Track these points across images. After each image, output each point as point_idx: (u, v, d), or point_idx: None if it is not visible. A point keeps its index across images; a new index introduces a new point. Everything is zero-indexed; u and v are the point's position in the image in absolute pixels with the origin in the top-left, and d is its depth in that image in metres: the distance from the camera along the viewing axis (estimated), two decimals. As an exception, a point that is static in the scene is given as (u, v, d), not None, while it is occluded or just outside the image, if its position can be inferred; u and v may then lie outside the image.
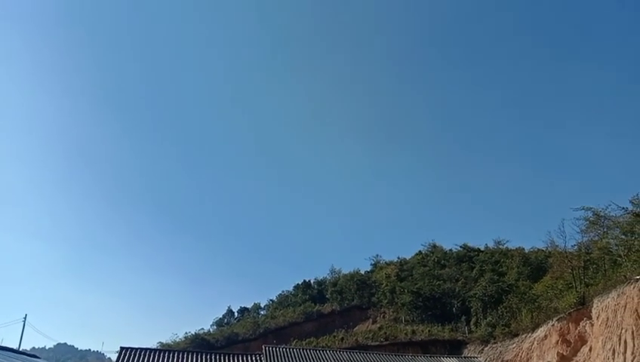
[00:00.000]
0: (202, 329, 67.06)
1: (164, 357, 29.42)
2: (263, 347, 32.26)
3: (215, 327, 77.05)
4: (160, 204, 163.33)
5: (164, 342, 59.32)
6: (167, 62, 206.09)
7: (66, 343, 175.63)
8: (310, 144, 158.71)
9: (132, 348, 29.44)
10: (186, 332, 61.86)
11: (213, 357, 30.46)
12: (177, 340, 59.83)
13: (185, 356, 30.02)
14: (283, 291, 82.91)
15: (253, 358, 31.15)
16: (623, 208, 29.39)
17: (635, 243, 28.09)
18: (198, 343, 57.15)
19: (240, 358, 31.11)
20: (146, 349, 30.20)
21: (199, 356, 30.13)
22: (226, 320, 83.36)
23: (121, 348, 29.34)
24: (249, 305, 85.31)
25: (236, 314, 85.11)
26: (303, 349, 34.16)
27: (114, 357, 32.20)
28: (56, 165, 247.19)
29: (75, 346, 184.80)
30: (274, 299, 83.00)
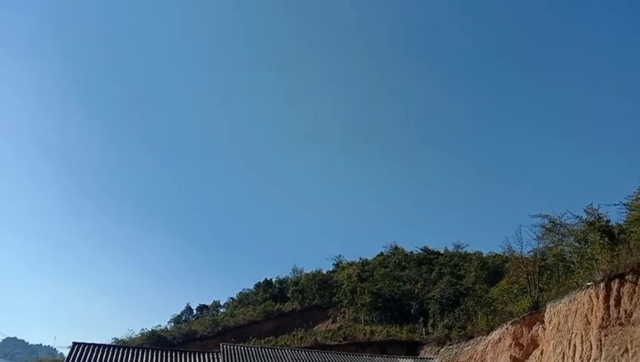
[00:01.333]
0: (159, 325, 65.90)
1: (117, 353, 28.75)
2: (221, 345, 31.91)
3: (173, 324, 76.01)
4: (120, 200, 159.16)
5: (119, 337, 58.17)
6: (145, 60, 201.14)
7: (15, 337, 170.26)
8: (275, 145, 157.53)
9: (85, 344, 28.66)
10: (143, 329, 60.83)
11: (168, 354, 29.94)
12: (133, 336, 58.74)
13: (140, 353, 29.39)
14: (244, 289, 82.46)
15: (211, 356, 30.77)
16: (578, 217, 30.34)
17: (588, 250, 29.00)
18: (154, 340, 56.18)
19: (197, 356, 30.68)
20: (100, 345, 29.44)
21: (154, 353, 29.56)
22: (184, 317, 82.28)
23: (74, 344, 28.53)
24: (208, 303, 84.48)
25: (195, 311, 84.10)
26: (261, 348, 33.98)
27: (66, 352, 31.26)
28: (12, 158, 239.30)
29: (26, 341, 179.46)
30: (234, 297, 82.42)
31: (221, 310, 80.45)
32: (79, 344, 28.53)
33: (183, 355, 30.23)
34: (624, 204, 27.66)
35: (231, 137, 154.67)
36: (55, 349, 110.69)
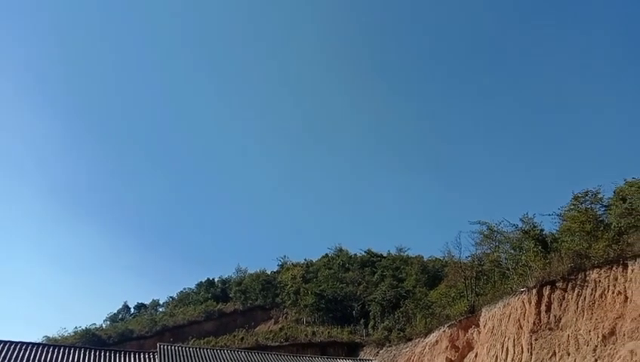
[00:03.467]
0: (94, 324, 63.93)
1: (47, 352, 27.42)
2: (158, 345, 31.07)
3: (108, 323, 73.71)
4: (50, 193, 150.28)
5: (50, 336, 56.04)
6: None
7: None
8: (217, 142, 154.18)
9: (11, 342, 27.13)
10: (76, 327, 58.90)
11: (102, 353, 28.82)
12: (66, 335, 56.90)
13: (71, 352, 28.16)
14: (184, 288, 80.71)
15: (147, 356, 29.90)
16: (514, 225, 31.61)
17: (522, 257, 30.22)
18: (88, 339, 54.45)
19: (132, 356, 29.69)
20: (28, 343, 27.95)
21: (87, 352, 28.38)
22: (120, 315, 79.88)
23: (-1, 342, 27.02)
24: (147, 302, 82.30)
25: (132, 310, 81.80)
26: (199, 348, 33.34)
27: (-10, 351, 29.59)
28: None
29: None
30: (174, 296, 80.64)
31: (160, 309, 78.58)
32: (5, 342, 27.00)
33: (117, 355, 29.18)
34: (557, 215, 29.08)
35: (171, 132, 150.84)
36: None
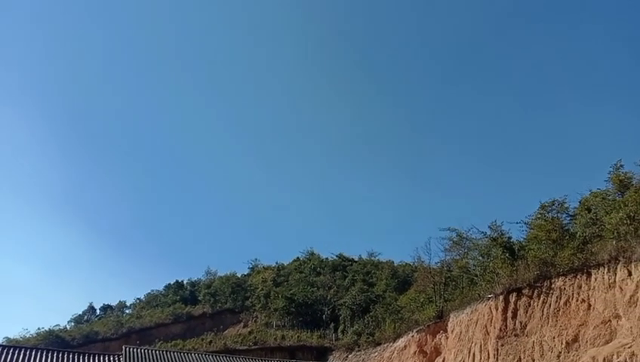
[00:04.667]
0: (58, 325, 62.50)
1: (7, 353, 26.60)
2: (124, 347, 30.52)
3: (73, 324, 72.20)
4: (13, 182, 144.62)
5: (11, 337, 54.57)
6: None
7: None
8: (188, 141, 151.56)
9: (-30, 344, 26.33)
10: (39, 328, 57.52)
11: (65, 355, 28.12)
12: (28, 336, 55.58)
13: (32, 353, 27.39)
14: (152, 290, 79.65)
15: (112, 359, 29.31)
16: (483, 232, 32.07)
17: (490, 264, 30.66)
18: (51, 340, 53.23)
19: (97, 358, 29.08)
20: (-13, 345, 27.18)
21: (49, 354, 27.66)
22: (86, 317, 78.32)
23: (-44, 343, 26.13)
24: (113, 303, 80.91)
25: (98, 311, 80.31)
26: (166, 351, 32.84)
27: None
28: None
29: None
30: (141, 297, 79.45)
31: (127, 311, 77.39)
32: (-37, 343, 26.17)
33: (81, 357, 28.53)
34: (525, 223, 29.61)
35: (140, 131, 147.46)
36: None
